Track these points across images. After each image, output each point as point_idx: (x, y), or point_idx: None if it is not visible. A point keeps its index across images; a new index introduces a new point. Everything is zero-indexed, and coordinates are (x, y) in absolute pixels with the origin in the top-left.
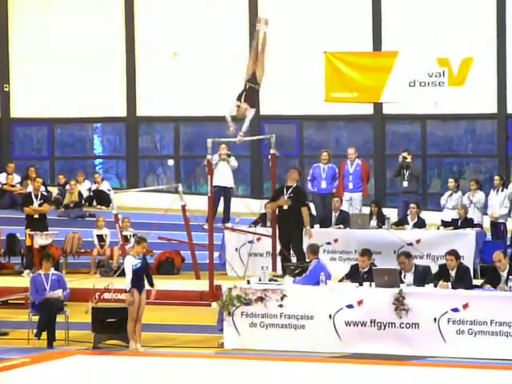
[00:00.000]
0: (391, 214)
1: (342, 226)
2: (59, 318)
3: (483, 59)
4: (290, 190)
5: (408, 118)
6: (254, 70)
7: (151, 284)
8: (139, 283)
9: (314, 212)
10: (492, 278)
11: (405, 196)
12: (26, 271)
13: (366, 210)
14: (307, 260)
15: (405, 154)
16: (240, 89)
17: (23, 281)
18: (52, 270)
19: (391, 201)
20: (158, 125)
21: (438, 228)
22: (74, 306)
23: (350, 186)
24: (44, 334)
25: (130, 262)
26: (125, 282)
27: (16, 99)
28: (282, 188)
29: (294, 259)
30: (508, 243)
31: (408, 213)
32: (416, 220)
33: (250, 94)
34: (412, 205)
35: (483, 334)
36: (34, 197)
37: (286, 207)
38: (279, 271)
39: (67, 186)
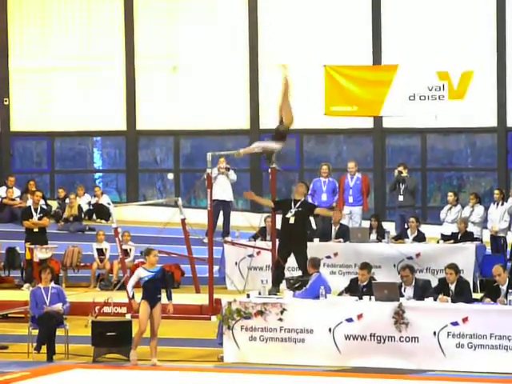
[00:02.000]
0: (391, 227)
1: (341, 239)
2: (59, 332)
3: (483, 73)
4: (299, 204)
5: (408, 131)
6: (280, 115)
7: (168, 297)
8: (151, 296)
9: (314, 226)
10: (492, 291)
11: (401, 210)
12: (26, 285)
13: (366, 224)
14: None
15: (400, 169)
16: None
17: (23, 294)
18: (52, 284)
19: (391, 215)
20: (158, 138)
21: (438, 242)
22: (74, 320)
23: (350, 199)
24: (44, 348)
25: (138, 273)
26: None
27: (16, 113)
28: (290, 201)
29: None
30: (508, 257)
31: (407, 226)
32: (416, 234)
33: (278, 136)
34: (411, 219)
35: (483, 347)
36: (33, 210)
37: (292, 221)
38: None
39: (67, 200)
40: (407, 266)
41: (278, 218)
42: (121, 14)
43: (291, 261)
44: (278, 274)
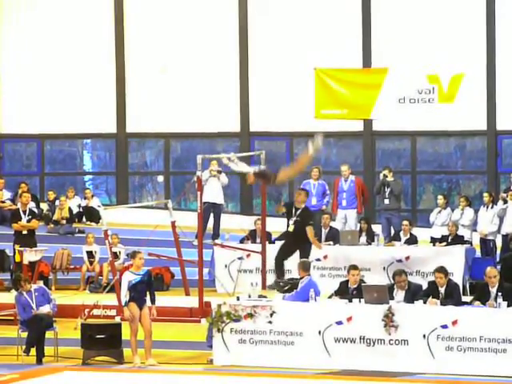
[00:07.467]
0: (380, 230)
1: (331, 242)
2: (48, 334)
3: (473, 76)
4: (299, 213)
5: (398, 134)
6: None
7: (152, 301)
8: (139, 298)
9: None
10: (481, 294)
11: (386, 213)
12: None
13: (356, 227)
14: (298, 276)
15: (385, 172)
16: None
17: (12, 297)
18: (34, 286)
19: (380, 217)
20: (148, 141)
21: (435, 244)
22: (63, 322)
23: (344, 203)
24: (33, 350)
25: (127, 278)
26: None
27: (5, 115)
28: (291, 208)
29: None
30: (497, 260)
31: (393, 229)
32: (408, 236)
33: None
34: (404, 222)
35: (472, 350)
36: (22, 213)
37: (291, 229)
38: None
39: (57, 202)
40: (403, 271)
41: (268, 220)
42: (111, 15)
43: (287, 264)
44: (279, 264)
